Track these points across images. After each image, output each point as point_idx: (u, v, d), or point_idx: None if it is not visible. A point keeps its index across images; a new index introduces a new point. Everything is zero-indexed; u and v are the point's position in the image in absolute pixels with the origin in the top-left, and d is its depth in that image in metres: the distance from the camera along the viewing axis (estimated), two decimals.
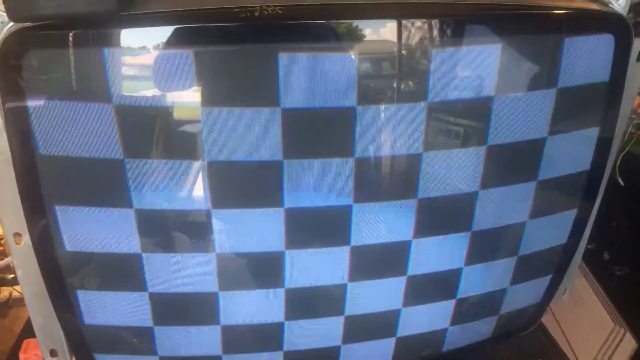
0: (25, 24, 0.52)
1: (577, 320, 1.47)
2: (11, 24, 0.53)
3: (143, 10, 0.54)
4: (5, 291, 1.17)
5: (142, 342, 0.74)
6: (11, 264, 1.22)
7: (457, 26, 0.60)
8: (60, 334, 0.73)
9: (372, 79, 0.60)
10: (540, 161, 0.69)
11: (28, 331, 1.05)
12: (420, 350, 0.86)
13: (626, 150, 1.25)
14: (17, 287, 1.17)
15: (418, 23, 0.58)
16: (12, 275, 1.18)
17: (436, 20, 0.58)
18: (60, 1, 0.49)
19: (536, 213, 0.74)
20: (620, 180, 1.28)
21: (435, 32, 0.59)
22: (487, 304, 0.84)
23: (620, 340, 1.35)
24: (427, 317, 0.81)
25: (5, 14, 0.52)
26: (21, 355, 0.94)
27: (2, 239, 1.27)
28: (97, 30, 0.53)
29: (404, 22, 0.57)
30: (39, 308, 0.71)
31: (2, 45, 0.53)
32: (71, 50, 0.54)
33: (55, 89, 0.55)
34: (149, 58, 0.55)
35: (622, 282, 1.42)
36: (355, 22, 0.57)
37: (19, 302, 1.16)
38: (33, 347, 0.94)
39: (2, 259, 1.23)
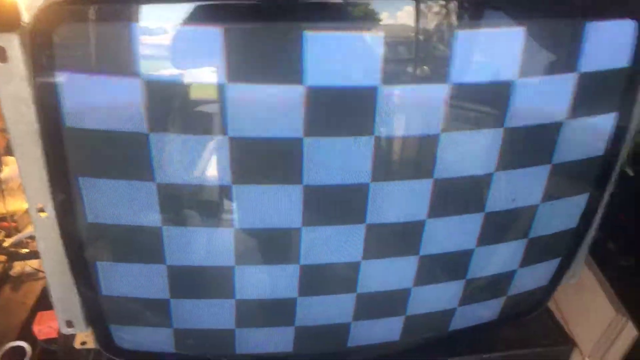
0: None
1: (579, 308, 1.48)
2: None
3: None
4: (18, 266, 1.18)
5: (157, 314, 0.76)
6: (24, 240, 1.24)
7: (480, 8, 0.60)
8: (77, 305, 0.75)
9: (395, 59, 0.60)
10: (556, 145, 0.70)
11: (41, 304, 1.07)
12: (428, 329, 0.88)
13: (636, 141, 1.26)
14: (29, 262, 1.19)
15: (442, 4, 0.59)
16: (25, 250, 1.20)
17: (460, 2, 0.59)
18: None
19: (549, 196, 0.75)
20: (629, 170, 1.29)
21: (459, 14, 0.59)
22: (496, 285, 0.85)
23: (622, 329, 1.36)
24: (437, 297, 0.83)
25: None
26: (35, 327, 0.96)
27: (14, 215, 1.29)
28: (128, 5, 0.54)
29: (428, 2, 0.58)
30: (58, 279, 0.72)
31: (35, 20, 0.53)
32: (101, 25, 0.55)
33: (84, 63, 0.56)
34: (177, 34, 0.56)
35: (625, 272, 1.44)
36: (381, 2, 0.57)
37: (32, 276, 1.17)
38: (47, 319, 0.96)
39: (15, 234, 1.24)
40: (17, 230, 1.27)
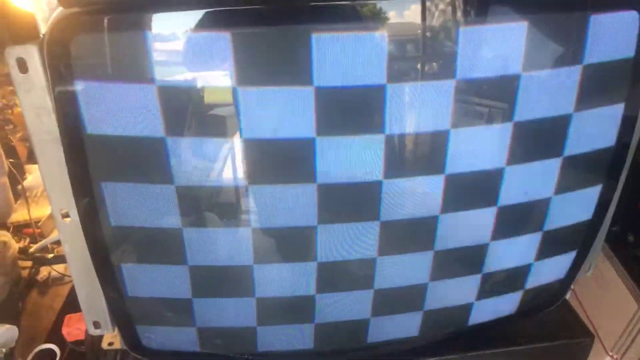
0: (73, 9, 0.56)
1: (601, 302, 1.47)
2: (59, 9, 0.56)
3: None
4: (45, 271, 1.22)
5: (181, 314, 0.78)
6: (49, 245, 1.27)
7: (484, 4, 0.61)
8: (103, 306, 0.77)
9: (401, 57, 0.61)
10: (566, 137, 0.70)
11: (68, 308, 1.10)
12: (447, 324, 0.89)
13: None
14: (55, 267, 1.22)
15: (445, 2, 0.60)
16: (50, 255, 1.23)
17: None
18: None
19: (562, 189, 0.75)
20: None
21: (462, 11, 0.61)
22: (512, 278, 0.85)
23: None
24: (454, 292, 0.83)
25: (53, 1, 0.55)
26: (64, 330, 0.98)
27: (38, 221, 1.33)
28: (140, 14, 0.56)
29: (432, 1, 0.59)
30: (84, 282, 0.74)
31: (52, 31, 0.56)
32: (115, 34, 0.57)
33: (100, 71, 0.59)
34: (188, 40, 0.58)
35: None
36: (384, 3, 0.59)
37: (58, 281, 1.20)
38: (75, 322, 0.98)
39: (40, 240, 1.28)
40: (42, 236, 1.31)
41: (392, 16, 0.59)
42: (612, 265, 1.46)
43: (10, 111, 1.60)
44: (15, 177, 1.39)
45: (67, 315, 1.01)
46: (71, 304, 1.12)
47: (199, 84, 0.60)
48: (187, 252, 0.70)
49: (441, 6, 0.60)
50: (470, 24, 0.61)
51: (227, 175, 0.66)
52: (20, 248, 1.22)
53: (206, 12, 0.57)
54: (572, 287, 0.95)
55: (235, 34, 0.57)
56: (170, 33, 0.57)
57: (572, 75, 0.66)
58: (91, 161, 0.63)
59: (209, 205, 0.69)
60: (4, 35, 1.49)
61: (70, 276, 1.19)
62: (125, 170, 0.65)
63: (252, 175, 0.66)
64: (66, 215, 0.68)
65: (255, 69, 0.60)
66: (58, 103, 0.60)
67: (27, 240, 1.29)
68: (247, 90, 0.60)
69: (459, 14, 0.61)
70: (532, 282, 0.86)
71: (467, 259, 0.80)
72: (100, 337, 0.93)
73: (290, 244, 0.73)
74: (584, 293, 1.50)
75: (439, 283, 0.80)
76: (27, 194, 1.37)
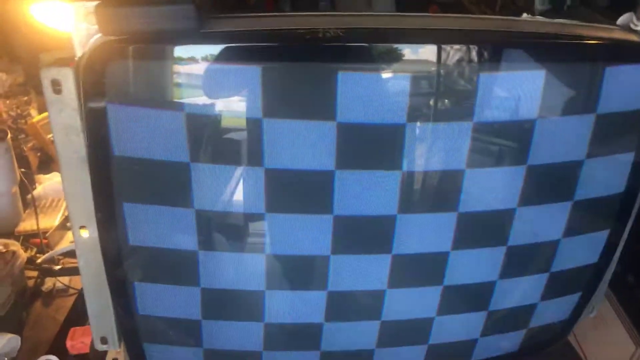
0: (111, 36, 0.58)
1: (599, 342, 1.47)
2: (97, 35, 0.58)
3: (219, 28, 0.59)
4: (50, 282, 1.22)
5: (189, 334, 0.78)
6: (55, 257, 1.28)
7: (504, 53, 0.63)
8: (112, 322, 0.77)
9: (421, 98, 0.64)
10: (577, 182, 0.72)
11: (71, 320, 1.10)
12: (450, 359, 0.90)
13: None
14: (60, 279, 1.22)
15: (467, 49, 0.62)
16: (57, 267, 1.24)
17: (485, 47, 0.63)
18: (148, 18, 0.55)
19: (570, 232, 0.77)
20: None
21: (484, 58, 0.63)
22: (517, 317, 0.86)
23: None
24: (459, 327, 0.84)
25: (92, 27, 0.58)
26: (68, 342, 0.99)
27: (46, 232, 1.34)
28: (178, 45, 0.58)
29: (454, 47, 0.62)
30: (95, 297, 0.75)
31: (90, 55, 0.58)
32: (148, 62, 0.60)
33: (132, 96, 0.61)
34: (219, 71, 0.60)
35: None
36: (408, 46, 0.61)
37: (62, 292, 1.21)
38: (79, 335, 0.99)
39: (47, 252, 1.29)
40: (49, 246, 1.31)
41: (415, 60, 0.62)
42: (611, 306, 1.46)
43: (23, 121, 1.62)
44: (26, 186, 1.41)
45: (72, 328, 1.02)
46: (75, 317, 1.13)
47: (226, 114, 0.63)
48: (201, 274, 0.72)
49: (462, 52, 0.62)
50: (490, 71, 0.64)
51: (247, 202, 0.67)
52: (27, 258, 1.23)
53: (238, 47, 0.59)
54: None
55: (265, 68, 0.59)
56: (202, 64, 0.59)
57: (585, 124, 0.68)
58: (116, 182, 0.65)
59: (226, 230, 0.71)
60: (19, 48, 1.52)
61: (74, 288, 1.20)
62: (148, 192, 0.67)
63: (271, 204, 0.67)
64: (85, 231, 0.70)
65: (282, 102, 0.62)
66: (88, 124, 0.61)
67: (34, 250, 1.30)
68: (272, 121, 0.62)
69: (480, 60, 0.63)
70: (537, 321, 0.87)
71: (475, 296, 0.81)
72: (105, 353, 0.94)
73: (303, 272, 0.75)
74: (583, 333, 1.50)
75: (446, 318, 0.81)
76: (36, 203, 1.38)
